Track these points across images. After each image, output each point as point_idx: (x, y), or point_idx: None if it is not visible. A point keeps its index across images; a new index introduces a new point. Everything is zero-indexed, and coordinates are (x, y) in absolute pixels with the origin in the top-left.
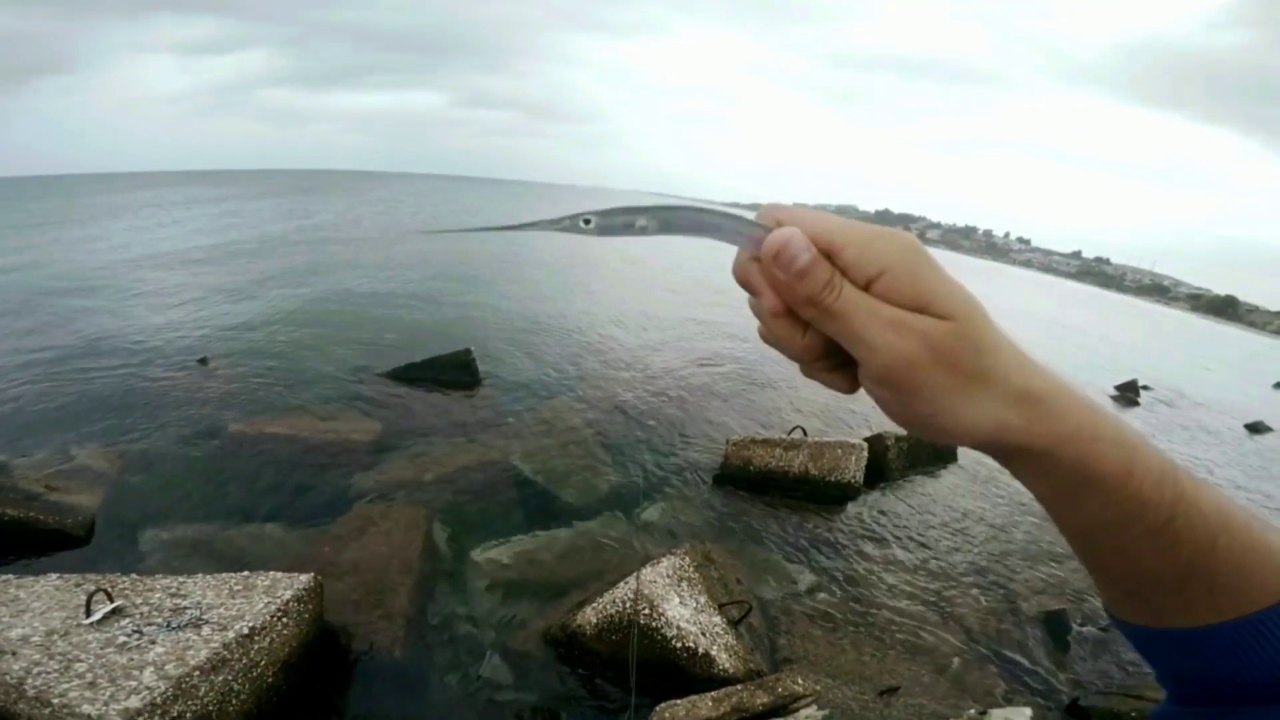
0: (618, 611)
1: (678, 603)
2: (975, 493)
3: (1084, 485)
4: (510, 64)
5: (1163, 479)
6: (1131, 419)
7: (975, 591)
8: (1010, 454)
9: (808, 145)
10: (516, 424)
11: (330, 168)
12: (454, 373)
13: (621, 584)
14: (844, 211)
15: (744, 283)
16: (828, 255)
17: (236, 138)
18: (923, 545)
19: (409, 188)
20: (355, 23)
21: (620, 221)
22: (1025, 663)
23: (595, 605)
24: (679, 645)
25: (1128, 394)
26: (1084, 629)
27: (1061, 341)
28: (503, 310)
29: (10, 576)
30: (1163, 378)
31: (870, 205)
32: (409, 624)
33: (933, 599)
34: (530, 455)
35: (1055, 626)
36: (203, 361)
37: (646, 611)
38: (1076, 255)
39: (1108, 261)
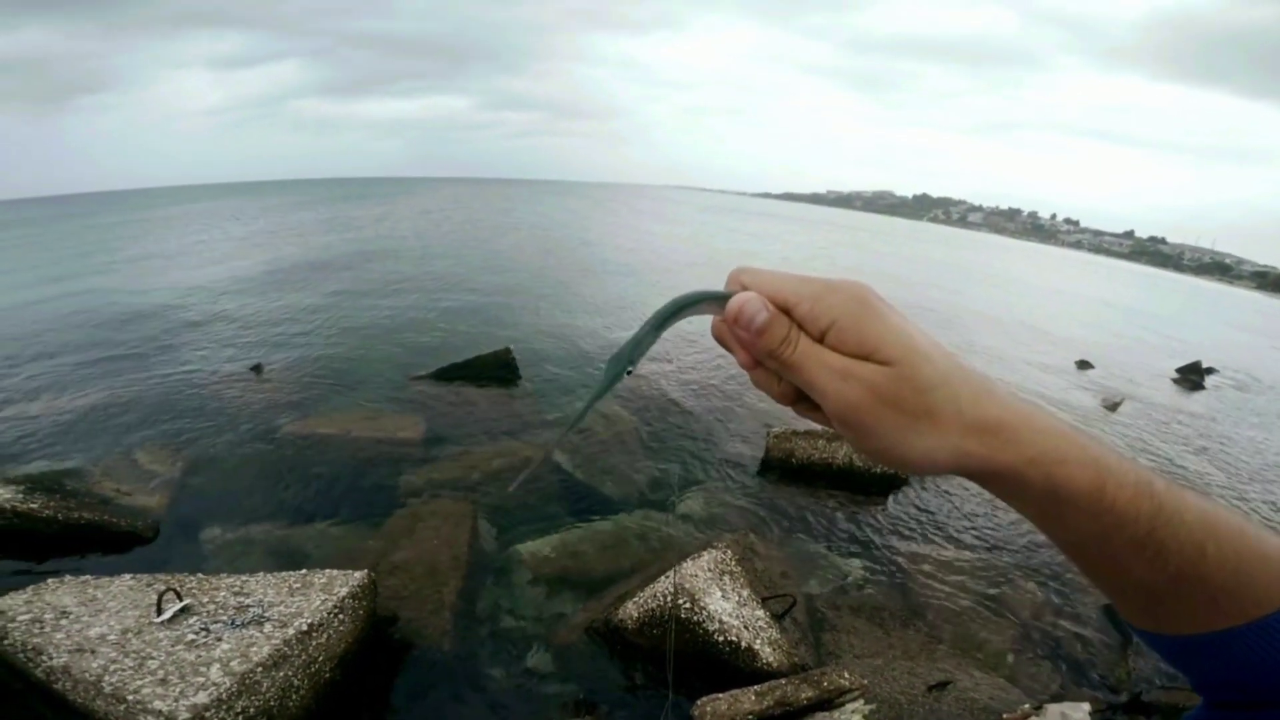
0: (659, 605)
1: (720, 596)
2: None
3: (1058, 504)
4: (531, 65)
5: (1138, 493)
6: (1195, 404)
7: (1029, 583)
8: (978, 478)
9: (838, 132)
10: (557, 419)
11: (365, 175)
12: (496, 371)
13: (662, 578)
14: (879, 197)
15: (721, 342)
16: (786, 312)
17: (274, 148)
18: (974, 536)
19: (443, 192)
20: (378, 31)
21: (644, 348)
22: (1084, 656)
23: (636, 599)
24: (721, 639)
25: (1190, 376)
26: None
27: (1114, 323)
28: (541, 307)
29: (88, 577)
30: (1229, 360)
31: (907, 190)
32: (457, 618)
33: (984, 591)
34: (571, 450)
35: (1115, 619)
36: (256, 368)
37: (688, 605)
38: (1129, 235)
39: (1163, 240)
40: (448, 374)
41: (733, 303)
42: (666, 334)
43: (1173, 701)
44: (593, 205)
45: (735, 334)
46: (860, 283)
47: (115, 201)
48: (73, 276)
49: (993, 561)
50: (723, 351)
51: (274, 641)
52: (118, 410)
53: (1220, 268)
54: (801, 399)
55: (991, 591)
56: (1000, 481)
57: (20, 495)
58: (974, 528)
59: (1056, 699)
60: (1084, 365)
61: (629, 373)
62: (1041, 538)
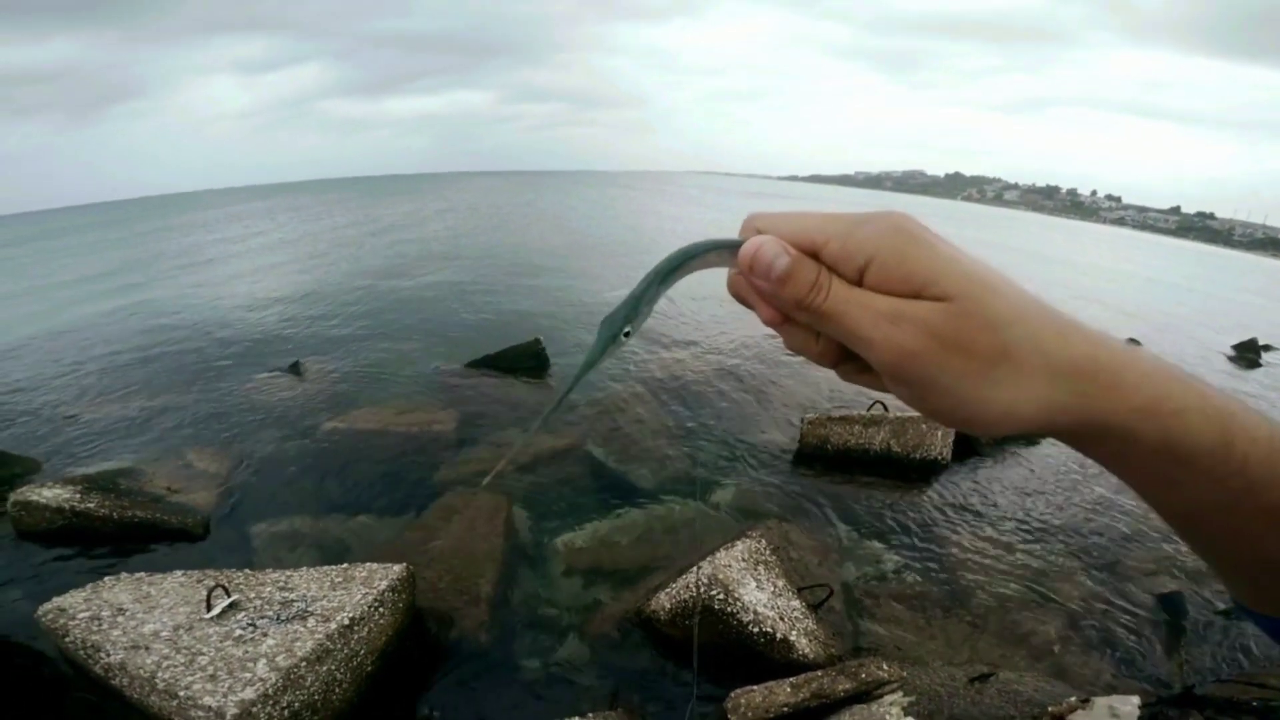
0: (691, 597)
1: (754, 587)
2: (1077, 463)
3: (1174, 465)
4: (551, 57)
5: (1274, 450)
6: (1252, 383)
7: (1078, 572)
8: (1073, 436)
9: (865, 113)
10: (588, 409)
11: (394, 172)
12: (526, 361)
13: (695, 569)
14: (910, 177)
15: (739, 298)
16: (813, 255)
17: (305, 150)
18: (1019, 523)
19: (470, 186)
20: (398, 30)
21: (643, 309)
22: (1134, 647)
23: (669, 591)
24: (756, 630)
25: (1247, 354)
26: (1201, 612)
27: (1163, 300)
28: (568, 297)
29: (142, 574)
30: None
31: (938, 169)
32: (494, 609)
33: (1030, 580)
34: (603, 439)
35: (1169, 609)
36: (294, 366)
37: (721, 596)
38: (1175, 210)
39: (1211, 216)
40: (480, 365)
41: (745, 249)
42: (693, 311)
43: (1227, 695)
44: (617, 194)
45: (754, 285)
46: (898, 211)
47: (154, 207)
48: (120, 284)
49: (1038, 548)
50: (753, 329)
51: (317, 636)
52: (167, 412)
53: (1275, 243)
54: (847, 358)
55: (1037, 579)
56: (1099, 438)
57: (78, 495)
58: (1018, 513)
59: (1105, 692)
60: (1132, 344)
61: (626, 336)
62: (1094, 524)
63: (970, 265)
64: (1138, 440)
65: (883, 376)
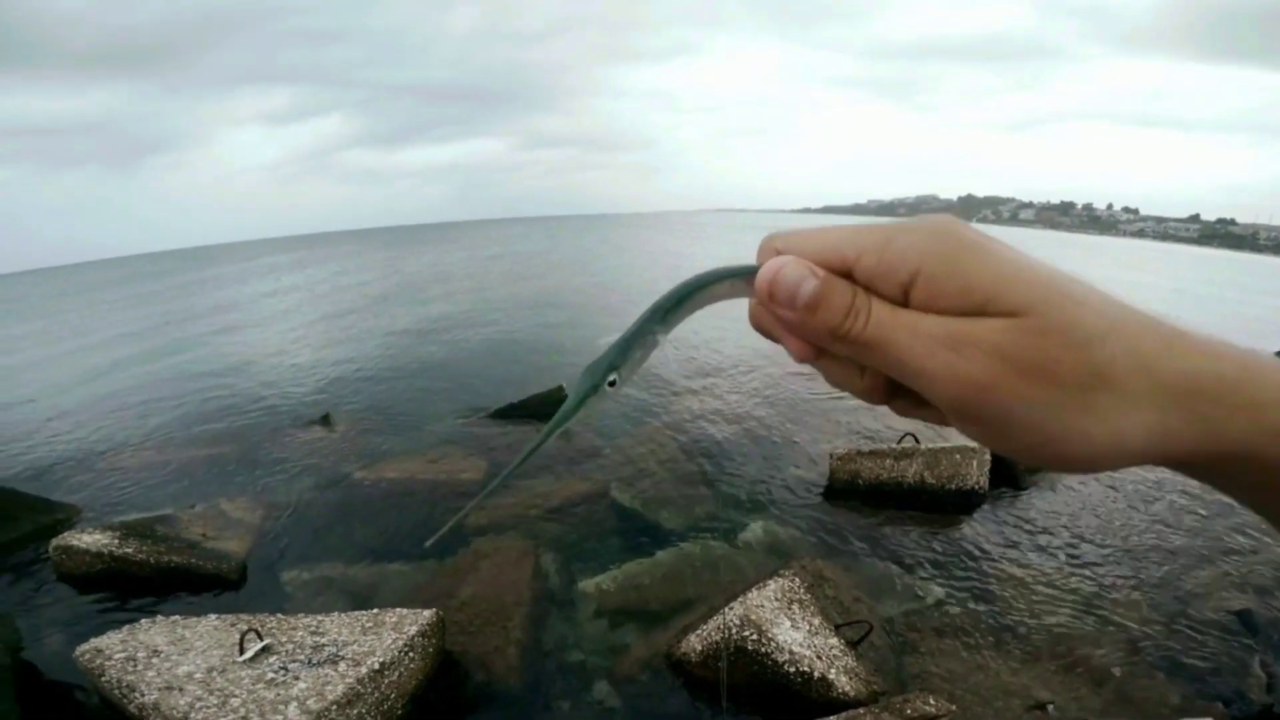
0: (723, 638)
1: (789, 626)
2: (1125, 484)
3: None
4: (559, 102)
5: None
6: None
7: (1135, 595)
8: (1191, 466)
9: (873, 141)
10: (612, 452)
11: (417, 222)
12: (550, 409)
13: (726, 609)
14: (923, 202)
15: (763, 331)
16: (845, 274)
17: (329, 201)
18: (1067, 547)
19: (488, 234)
20: (414, 81)
21: (634, 355)
22: (1204, 666)
23: (699, 632)
24: (792, 670)
25: None
26: (1275, 628)
27: (1192, 311)
28: (589, 341)
29: (177, 617)
30: None
31: (951, 192)
32: (523, 652)
33: (1084, 605)
34: (628, 482)
35: (1239, 627)
36: (325, 418)
37: (754, 637)
38: (1195, 219)
39: (1233, 222)
40: (505, 413)
41: (763, 273)
42: (713, 341)
43: None
44: (631, 235)
45: (778, 316)
46: (944, 215)
47: (189, 259)
48: (159, 340)
49: (1090, 572)
50: (776, 360)
51: (348, 680)
52: (202, 462)
53: None
54: (899, 392)
55: (1092, 604)
56: (1224, 467)
57: (116, 540)
58: (1066, 537)
59: (1175, 714)
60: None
61: (611, 387)
62: (1148, 546)
63: (1042, 270)
64: (1267, 466)
65: (945, 412)
